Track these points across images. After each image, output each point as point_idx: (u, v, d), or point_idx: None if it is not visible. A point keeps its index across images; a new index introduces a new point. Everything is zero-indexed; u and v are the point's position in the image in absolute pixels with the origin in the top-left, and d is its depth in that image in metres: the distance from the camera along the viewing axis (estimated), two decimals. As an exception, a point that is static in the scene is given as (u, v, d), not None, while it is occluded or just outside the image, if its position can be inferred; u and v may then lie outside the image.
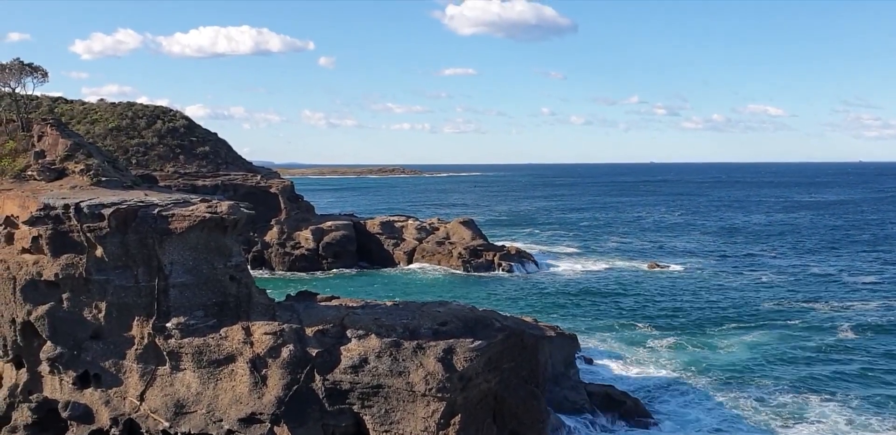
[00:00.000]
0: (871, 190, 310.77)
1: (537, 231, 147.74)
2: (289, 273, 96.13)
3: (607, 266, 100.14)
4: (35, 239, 34.24)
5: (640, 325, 65.71)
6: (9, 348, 35.51)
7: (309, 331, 33.09)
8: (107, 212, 32.93)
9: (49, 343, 33.96)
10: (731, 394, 46.98)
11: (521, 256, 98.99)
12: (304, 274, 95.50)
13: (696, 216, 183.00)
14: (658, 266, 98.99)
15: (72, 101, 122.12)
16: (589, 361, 52.48)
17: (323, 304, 38.52)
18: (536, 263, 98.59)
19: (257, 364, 32.04)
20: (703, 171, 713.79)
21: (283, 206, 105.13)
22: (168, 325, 32.83)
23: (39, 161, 41.24)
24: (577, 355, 49.53)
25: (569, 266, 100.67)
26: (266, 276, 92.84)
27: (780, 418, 42.80)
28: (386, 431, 30.76)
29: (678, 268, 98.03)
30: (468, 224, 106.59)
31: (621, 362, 54.05)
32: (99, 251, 33.24)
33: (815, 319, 67.64)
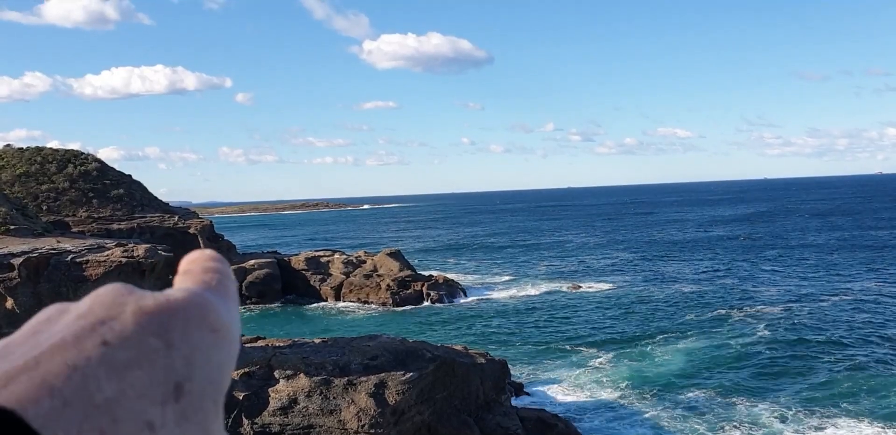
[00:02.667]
0: (773, 205, 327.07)
1: (464, 259, 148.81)
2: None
3: (535, 290, 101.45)
4: (-63, 294, 32.65)
5: (570, 345, 66.80)
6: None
7: (234, 374, 32.51)
8: (17, 261, 31.81)
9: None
10: (662, 405, 48.21)
11: (450, 285, 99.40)
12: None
13: (615, 235, 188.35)
14: (581, 287, 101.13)
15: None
16: (521, 386, 52.98)
17: (248, 345, 37.90)
18: (465, 291, 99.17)
19: (183, 411, 31.23)
20: (618, 194, 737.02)
21: (202, 246, 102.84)
22: (86, 376, 31.70)
23: (-61, 212, 39.50)
24: (508, 381, 50.02)
25: (497, 292, 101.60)
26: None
27: (709, 424, 44.19)
28: (321, 471, 30.38)
29: (605, 286, 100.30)
30: (395, 255, 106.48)
31: (554, 385, 54.70)
32: (9, 303, 31.95)
33: (734, 324, 70.66)
